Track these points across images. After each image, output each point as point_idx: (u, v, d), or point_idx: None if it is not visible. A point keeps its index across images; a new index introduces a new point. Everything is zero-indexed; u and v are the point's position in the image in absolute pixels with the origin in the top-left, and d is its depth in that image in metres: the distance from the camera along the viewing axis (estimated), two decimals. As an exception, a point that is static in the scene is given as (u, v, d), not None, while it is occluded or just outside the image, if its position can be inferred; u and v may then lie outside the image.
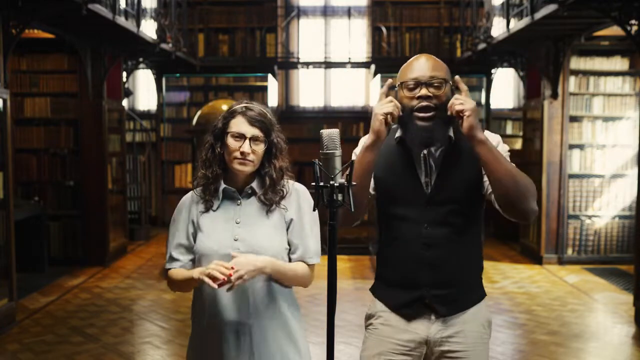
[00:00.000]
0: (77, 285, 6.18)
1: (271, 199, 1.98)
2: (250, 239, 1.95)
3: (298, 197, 2.02)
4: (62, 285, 6.17)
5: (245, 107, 1.98)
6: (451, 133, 1.98)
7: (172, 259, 2.02)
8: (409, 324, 2.00)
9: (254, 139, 1.94)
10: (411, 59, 2.01)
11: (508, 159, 1.97)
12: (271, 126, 1.99)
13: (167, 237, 2.07)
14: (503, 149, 1.99)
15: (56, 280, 6.34)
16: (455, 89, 1.96)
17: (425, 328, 1.99)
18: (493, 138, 1.99)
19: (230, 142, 1.94)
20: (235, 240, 1.95)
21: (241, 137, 1.93)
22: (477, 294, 2.06)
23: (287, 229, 1.99)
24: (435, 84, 1.92)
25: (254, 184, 2.00)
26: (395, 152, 2.02)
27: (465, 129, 1.85)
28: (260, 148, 1.95)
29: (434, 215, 1.97)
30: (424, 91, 1.92)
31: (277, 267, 1.92)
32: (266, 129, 1.96)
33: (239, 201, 1.99)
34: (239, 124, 1.95)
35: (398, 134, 2.03)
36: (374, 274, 2.18)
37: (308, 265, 2.00)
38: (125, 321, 5.10)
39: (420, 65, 1.95)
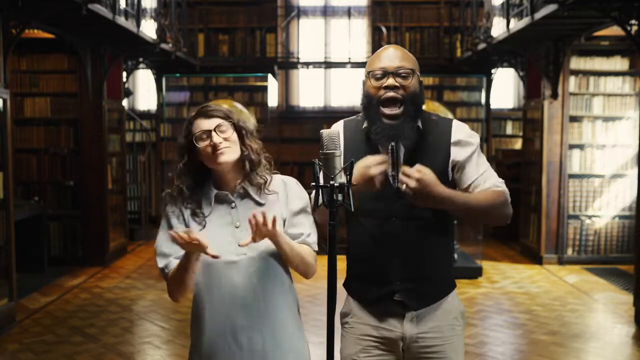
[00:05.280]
0: (77, 285, 6.18)
1: (258, 184, 1.91)
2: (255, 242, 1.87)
3: (285, 188, 1.96)
4: (62, 285, 6.17)
5: (198, 108, 1.95)
6: (419, 123, 1.97)
7: (164, 255, 1.90)
8: (383, 322, 2.00)
9: (218, 128, 1.89)
10: (379, 50, 2.00)
11: (478, 150, 1.99)
12: (231, 114, 1.95)
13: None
14: (471, 141, 1.99)
15: (56, 280, 6.34)
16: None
17: (400, 325, 1.99)
18: (460, 129, 2.00)
19: (200, 144, 1.88)
20: (240, 245, 1.86)
21: (206, 133, 1.88)
22: (447, 286, 2.06)
23: (284, 224, 1.92)
24: (403, 74, 1.91)
25: (245, 183, 1.93)
26: (361, 145, 1.99)
27: (420, 204, 1.83)
28: (230, 133, 1.90)
29: (402, 209, 1.94)
30: (390, 81, 1.91)
31: (285, 238, 1.85)
32: (226, 116, 1.92)
33: (233, 204, 1.92)
34: (198, 124, 1.90)
35: (365, 125, 2.00)
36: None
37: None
38: (125, 321, 5.10)
39: (388, 55, 1.94)
